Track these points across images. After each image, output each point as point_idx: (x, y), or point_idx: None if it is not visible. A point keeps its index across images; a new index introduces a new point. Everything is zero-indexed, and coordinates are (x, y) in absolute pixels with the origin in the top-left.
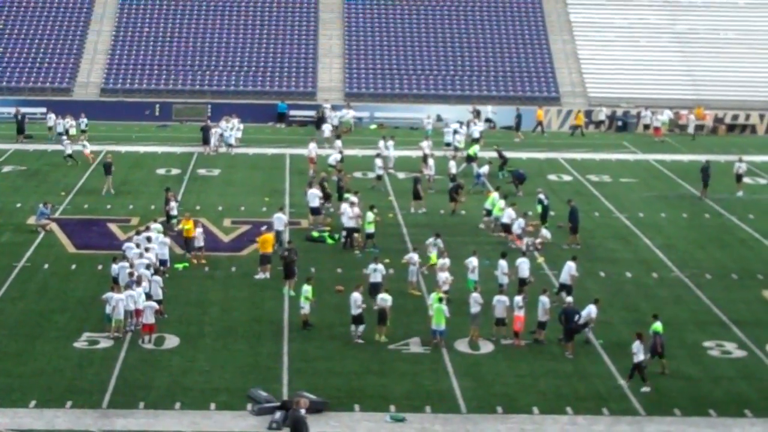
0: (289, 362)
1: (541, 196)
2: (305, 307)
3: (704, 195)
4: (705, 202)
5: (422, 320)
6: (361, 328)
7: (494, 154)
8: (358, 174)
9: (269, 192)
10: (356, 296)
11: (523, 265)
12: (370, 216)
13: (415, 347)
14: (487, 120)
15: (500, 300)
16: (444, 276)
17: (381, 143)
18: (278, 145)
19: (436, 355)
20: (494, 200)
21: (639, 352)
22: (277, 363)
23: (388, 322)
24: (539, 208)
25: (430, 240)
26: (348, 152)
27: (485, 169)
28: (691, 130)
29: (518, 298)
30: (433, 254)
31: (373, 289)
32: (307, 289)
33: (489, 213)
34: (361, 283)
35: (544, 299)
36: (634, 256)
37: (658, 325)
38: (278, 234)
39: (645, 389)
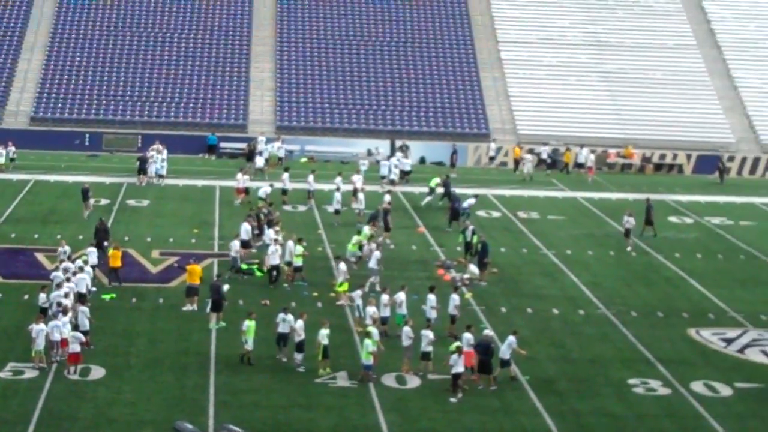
0: (216, 395)
1: (468, 231)
2: (248, 343)
3: (649, 232)
4: (640, 239)
5: (349, 354)
6: (301, 356)
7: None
8: (287, 207)
9: (198, 223)
10: (300, 323)
11: (453, 302)
12: (298, 249)
13: (342, 381)
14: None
15: (425, 335)
16: (372, 310)
17: (310, 177)
18: (208, 177)
19: (363, 390)
20: (365, 234)
21: (457, 365)
22: (203, 395)
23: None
24: (461, 238)
25: (334, 264)
26: (278, 185)
27: (471, 201)
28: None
29: (468, 335)
30: (340, 279)
31: (281, 339)
32: (248, 324)
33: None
34: (304, 311)
35: (468, 336)
36: (561, 293)
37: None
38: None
39: (453, 400)
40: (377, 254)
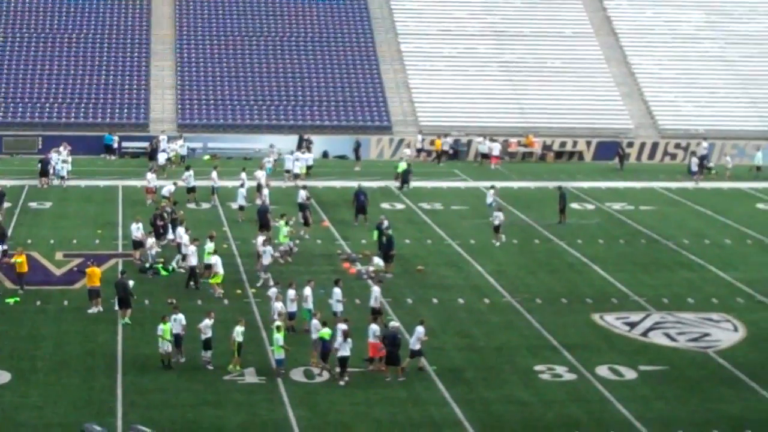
0: (124, 395)
1: (384, 224)
2: (165, 346)
3: (563, 220)
4: (550, 227)
5: (258, 350)
6: (208, 354)
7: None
8: (191, 205)
9: (102, 224)
10: (207, 322)
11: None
12: (209, 246)
13: (251, 377)
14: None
15: (338, 327)
16: (278, 306)
17: (213, 174)
18: (111, 177)
19: (272, 385)
20: (281, 229)
21: (343, 348)
22: (111, 396)
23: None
24: (375, 235)
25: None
26: (181, 183)
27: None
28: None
29: (374, 327)
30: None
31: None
32: (162, 328)
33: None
34: (212, 310)
35: (374, 327)
36: (466, 283)
37: (325, 332)
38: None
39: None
40: (270, 250)
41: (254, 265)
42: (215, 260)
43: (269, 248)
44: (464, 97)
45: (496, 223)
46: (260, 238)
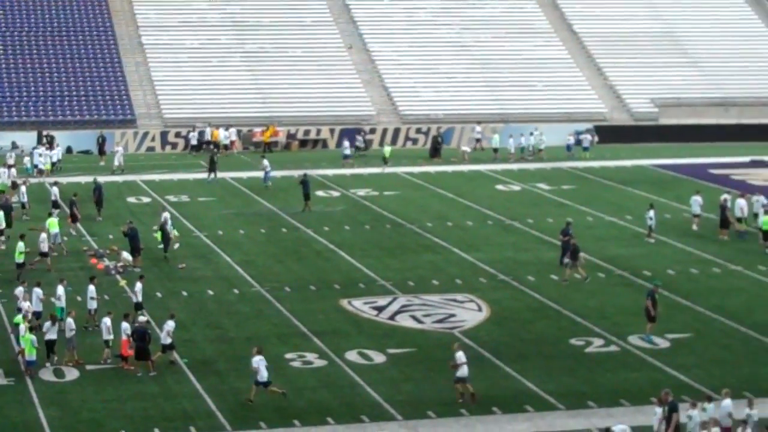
0: None
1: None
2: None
3: (308, 208)
4: (293, 215)
5: (2, 350)
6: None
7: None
8: None
9: None
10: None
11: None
12: (21, 246)
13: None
14: (477, 140)
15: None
16: (26, 305)
17: None
18: None
19: (21, 386)
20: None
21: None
22: None
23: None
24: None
25: None
26: None
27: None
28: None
29: (125, 324)
30: None
31: None
32: None
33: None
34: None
35: (125, 324)
36: (215, 274)
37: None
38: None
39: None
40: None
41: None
42: None
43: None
44: (208, 88)
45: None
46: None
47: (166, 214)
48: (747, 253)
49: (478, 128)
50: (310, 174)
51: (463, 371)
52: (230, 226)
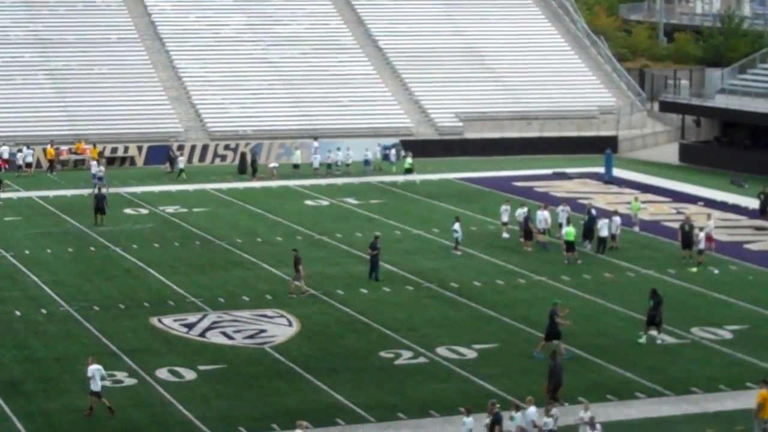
0: None
1: None
2: None
3: (99, 221)
4: (91, 234)
5: None
6: None
7: None
8: None
9: None
10: None
11: None
12: None
13: None
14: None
15: None
16: None
17: None
18: None
19: None
20: None
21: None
22: None
23: None
24: None
25: None
26: None
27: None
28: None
29: None
30: None
31: None
32: None
33: None
34: None
35: None
36: (22, 294)
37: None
38: None
39: None
40: None
41: None
42: None
43: None
44: (12, 107)
45: None
46: None
47: None
48: (550, 263)
49: (316, 144)
50: (117, 191)
51: None
52: (37, 246)
